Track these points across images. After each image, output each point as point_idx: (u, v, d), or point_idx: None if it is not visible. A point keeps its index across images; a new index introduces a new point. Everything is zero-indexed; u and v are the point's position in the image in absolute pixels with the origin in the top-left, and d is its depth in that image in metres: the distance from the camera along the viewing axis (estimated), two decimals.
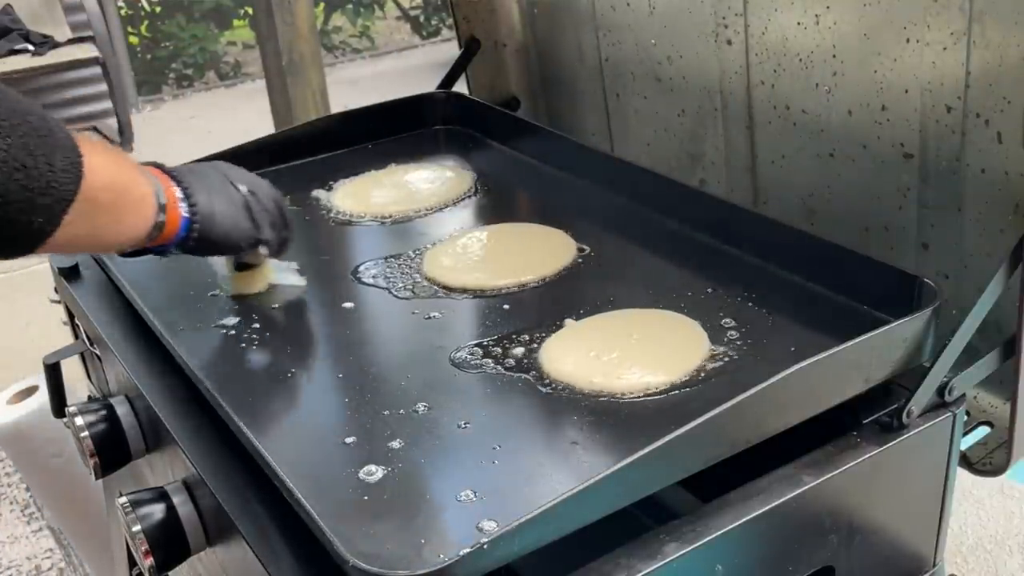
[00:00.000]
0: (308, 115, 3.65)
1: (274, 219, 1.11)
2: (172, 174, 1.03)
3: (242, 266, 1.14)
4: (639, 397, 0.93)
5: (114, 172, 0.91)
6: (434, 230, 1.31)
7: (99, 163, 0.87)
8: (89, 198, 0.85)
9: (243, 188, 1.08)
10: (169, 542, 0.93)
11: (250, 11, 6.36)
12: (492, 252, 1.24)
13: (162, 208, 0.99)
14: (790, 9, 1.16)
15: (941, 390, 0.92)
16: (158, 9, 6.55)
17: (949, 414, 0.93)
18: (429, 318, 1.10)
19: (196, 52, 6.43)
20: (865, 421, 0.92)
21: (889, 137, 1.10)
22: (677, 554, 0.78)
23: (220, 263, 1.16)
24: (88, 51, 3.47)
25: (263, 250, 1.11)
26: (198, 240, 1.03)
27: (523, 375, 0.97)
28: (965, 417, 0.96)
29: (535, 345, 1.02)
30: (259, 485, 0.86)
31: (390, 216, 1.35)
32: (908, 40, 1.03)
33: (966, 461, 1.03)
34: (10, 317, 2.92)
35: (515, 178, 1.48)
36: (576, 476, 0.79)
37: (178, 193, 1.01)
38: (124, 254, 1.05)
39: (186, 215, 1.01)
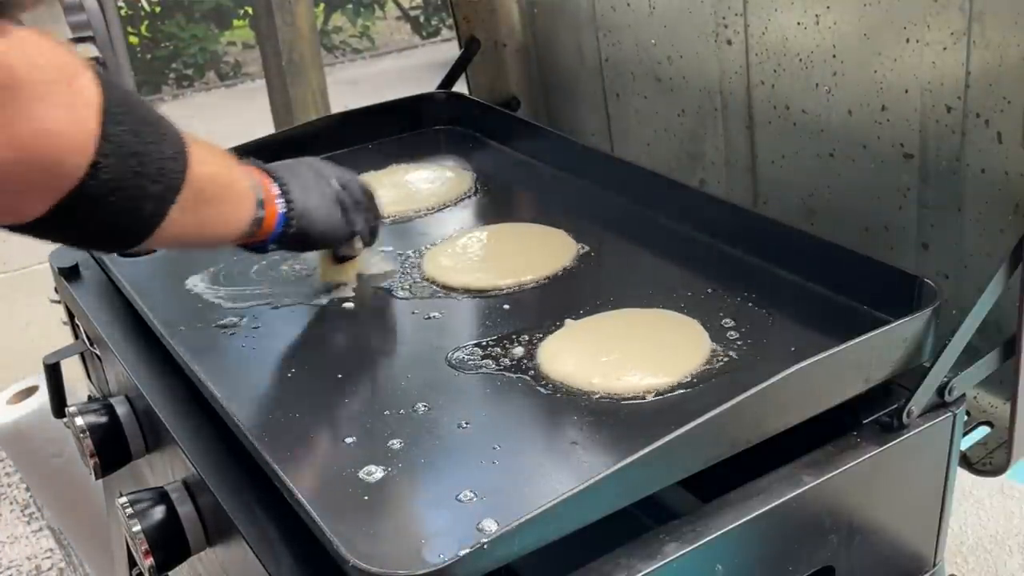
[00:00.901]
0: (308, 115, 3.64)
1: (365, 209, 1.12)
2: (268, 170, 1.04)
3: (340, 258, 1.16)
4: (639, 397, 0.93)
5: (217, 164, 0.92)
6: (434, 230, 1.31)
7: (203, 154, 0.87)
8: (195, 188, 0.85)
9: (334, 183, 1.09)
10: (169, 542, 0.93)
11: (250, 11, 6.36)
12: (492, 252, 1.24)
13: (260, 204, 0.99)
14: (790, 9, 1.16)
15: (941, 390, 0.92)
16: (158, 9, 6.55)
17: (949, 414, 0.93)
18: (429, 318, 1.10)
19: (196, 52, 6.42)
20: (865, 421, 0.92)
21: (889, 137, 1.10)
22: (677, 554, 0.78)
23: (313, 254, 1.17)
24: (88, 51, 3.47)
25: (358, 243, 1.13)
26: (295, 235, 1.03)
27: (523, 375, 0.97)
28: (965, 417, 0.96)
29: (535, 345, 1.02)
30: (259, 485, 0.86)
31: (390, 216, 1.35)
32: (908, 40, 1.03)
33: (966, 461, 1.03)
34: (10, 317, 2.92)
35: (515, 178, 1.48)
36: (576, 476, 0.79)
37: (275, 189, 1.02)
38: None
39: (283, 211, 1.01)
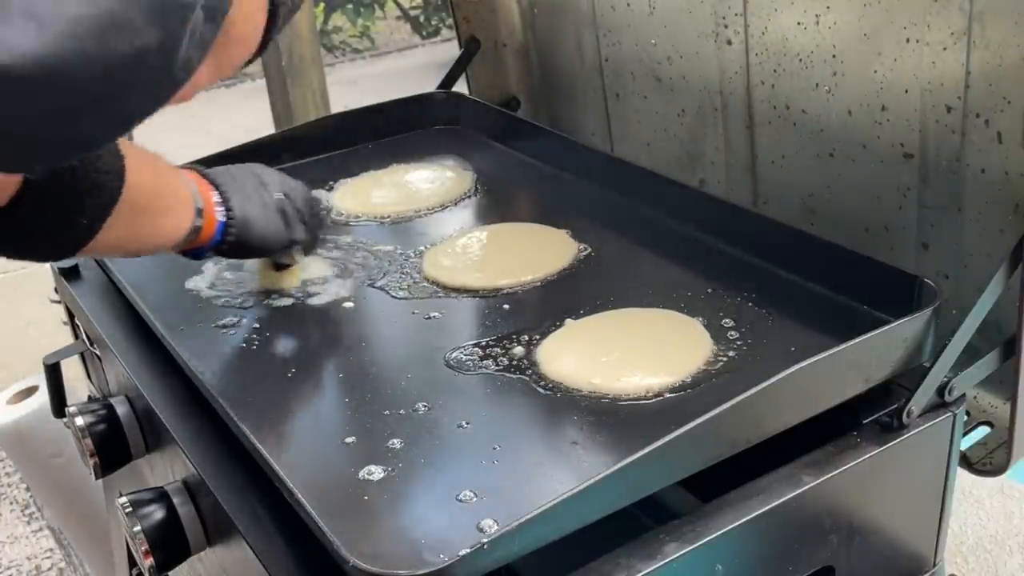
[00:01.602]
0: (308, 115, 3.64)
1: (307, 219, 1.13)
2: (209, 177, 1.05)
3: (278, 265, 1.16)
4: (639, 397, 0.93)
5: (153, 175, 0.93)
6: (434, 230, 1.31)
7: (139, 165, 0.88)
8: (130, 200, 0.86)
9: (276, 192, 1.10)
10: (169, 542, 0.93)
11: None
12: (492, 252, 1.24)
13: (199, 212, 1.00)
14: (790, 9, 1.16)
15: (941, 390, 0.92)
16: None
17: (949, 414, 0.93)
18: (429, 318, 1.10)
19: None
20: (865, 421, 0.92)
21: (889, 137, 1.10)
22: (677, 554, 0.78)
23: (252, 260, 1.17)
24: None
25: (297, 252, 1.14)
26: (233, 244, 1.05)
27: (523, 375, 0.97)
28: (965, 417, 0.96)
29: (535, 345, 1.02)
30: (259, 485, 0.86)
31: (390, 216, 1.35)
32: (908, 40, 1.03)
33: (966, 461, 1.03)
34: (10, 317, 2.92)
35: (515, 178, 1.48)
36: (576, 476, 0.79)
37: (215, 197, 1.03)
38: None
39: (222, 219, 1.03)
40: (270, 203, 1.09)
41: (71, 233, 0.83)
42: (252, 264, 1.18)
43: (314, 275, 1.19)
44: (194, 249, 1.04)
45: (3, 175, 0.72)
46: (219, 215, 1.03)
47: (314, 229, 1.15)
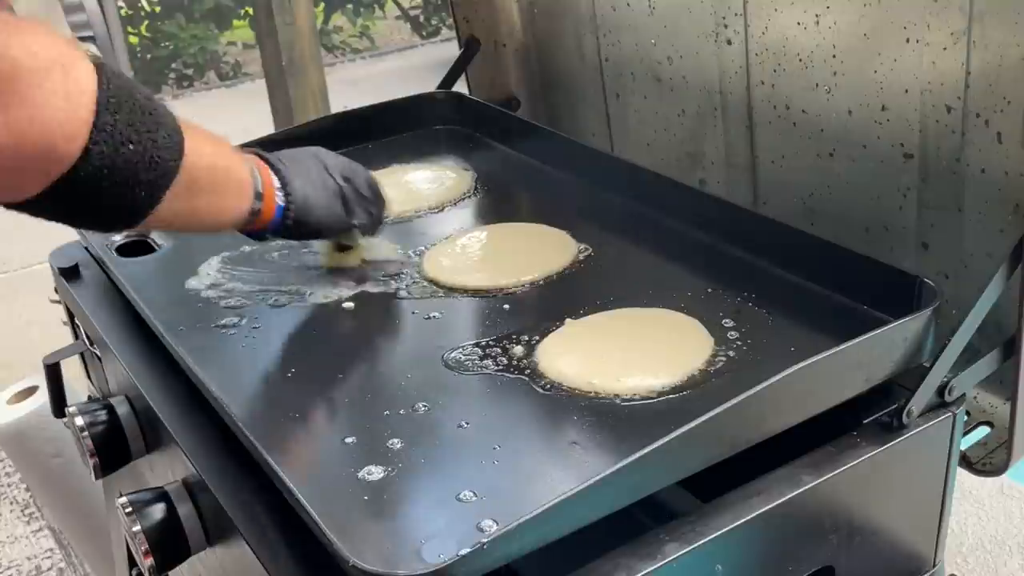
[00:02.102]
0: (308, 115, 3.64)
1: (368, 202, 1.16)
2: (270, 161, 1.06)
3: (340, 246, 1.19)
4: (639, 397, 0.93)
5: (214, 154, 0.94)
6: (434, 230, 1.31)
7: (200, 144, 0.90)
8: (190, 177, 0.88)
9: (338, 176, 1.12)
10: (169, 542, 0.93)
11: (250, 11, 6.35)
12: (492, 252, 1.24)
13: (259, 195, 1.02)
14: (790, 9, 1.16)
15: (941, 390, 0.92)
16: (158, 9, 6.55)
17: (949, 414, 0.93)
18: (429, 318, 1.10)
19: (196, 52, 6.43)
20: (865, 421, 0.92)
21: (889, 137, 1.10)
22: (677, 554, 0.78)
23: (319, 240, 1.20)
24: (88, 51, 3.47)
25: (357, 234, 1.17)
26: (293, 226, 1.07)
27: (523, 375, 0.97)
28: (965, 417, 0.96)
29: (535, 345, 1.02)
30: (259, 485, 0.86)
31: (390, 216, 1.35)
32: (908, 40, 1.03)
33: (966, 461, 1.03)
34: (10, 317, 2.93)
35: (515, 178, 1.48)
36: (576, 476, 0.79)
37: (275, 181, 1.05)
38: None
39: (281, 203, 1.05)
40: (331, 186, 1.11)
41: (129, 205, 0.84)
42: (317, 243, 1.20)
43: (377, 256, 1.21)
44: (254, 230, 1.06)
45: (62, 143, 0.76)
46: (279, 199, 1.04)
47: (375, 212, 1.17)
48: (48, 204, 0.80)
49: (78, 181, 0.78)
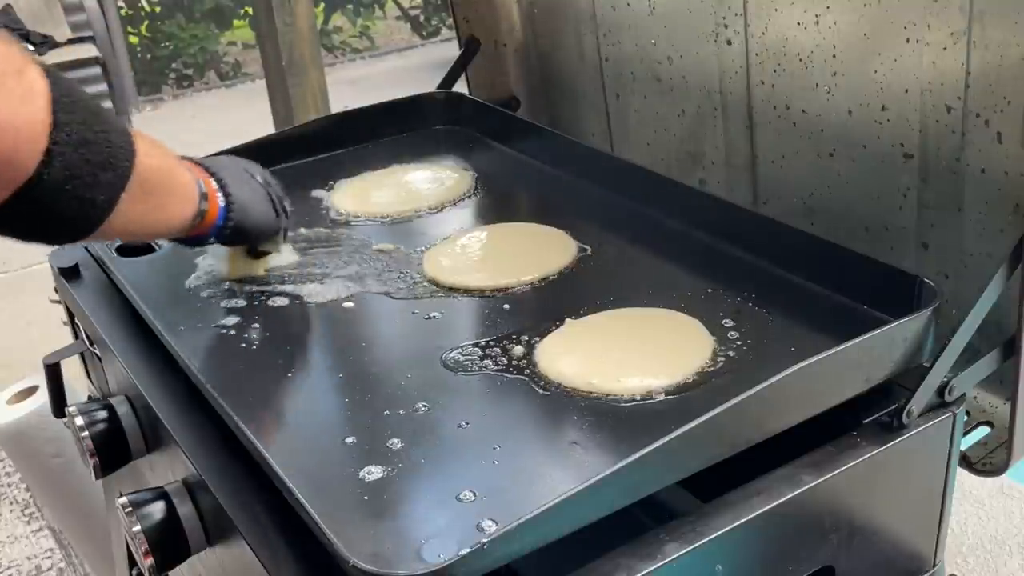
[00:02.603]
0: (308, 115, 3.64)
1: (285, 207, 1.16)
2: (203, 165, 1.07)
3: (257, 253, 1.19)
4: (639, 397, 0.93)
5: (160, 156, 0.94)
6: (434, 230, 1.31)
7: (147, 145, 0.90)
8: (142, 178, 0.87)
9: (259, 179, 1.13)
10: (169, 542, 0.93)
11: (250, 11, 6.36)
12: (492, 252, 1.24)
13: (204, 196, 1.02)
14: (790, 9, 1.16)
15: (941, 390, 0.92)
16: (158, 9, 6.55)
17: (949, 414, 0.93)
18: (429, 318, 1.10)
19: (196, 52, 6.43)
20: (865, 421, 0.92)
21: (889, 137, 1.10)
22: (677, 554, 0.78)
23: (216, 250, 1.18)
24: (88, 51, 3.48)
25: (280, 237, 1.17)
26: (233, 229, 1.07)
27: (523, 375, 0.97)
28: (965, 417, 0.96)
29: (535, 345, 1.02)
30: (259, 485, 0.86)
31: (390, 216, 1.35)
32: (908, 40, 1.03)
33: (966, 461, 1.03)
34: (10, 317, 2.93)
35: (515, 178, 1.48)
36: (576, 476, 0.79)
37: (214, 183, 1.05)
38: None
39: (223, 204, 1.05)
40: (258, 190, 1.12)
41: (88, 209, 0.83)
42: (220, 251, 1.18)
43: (280, 263, 1.20)
44: (197, 236, 1.06)
45: (24, 146, 0.74)
46: (220, 200, 1.05)
47: (289, 217, 1.19)
48: (8, 215, 0.78)
49: (41, 186, 0.77)
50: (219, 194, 1.05)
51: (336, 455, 0.87)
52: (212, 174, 1.06)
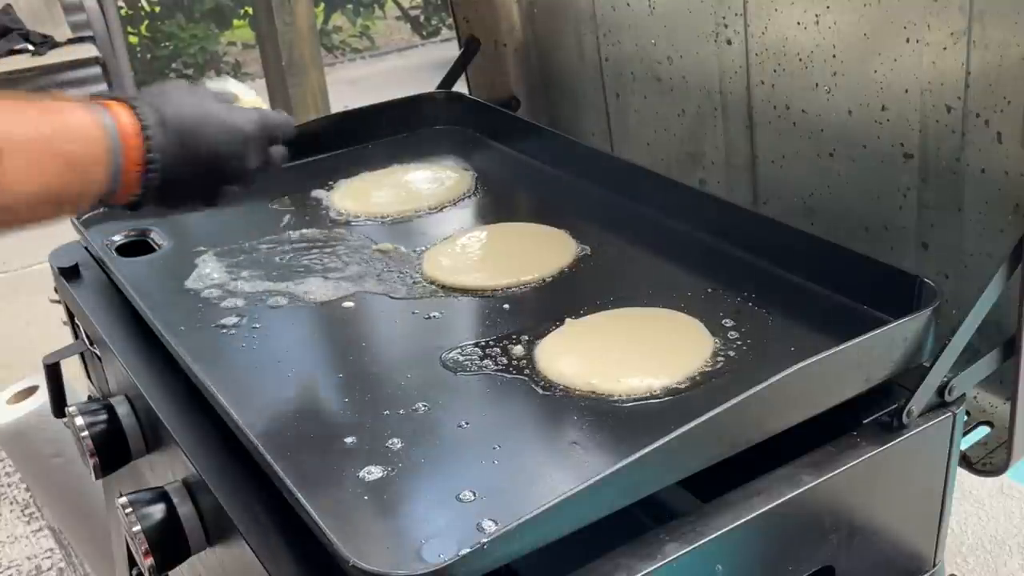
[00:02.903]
0: (308, 115, 3.65)
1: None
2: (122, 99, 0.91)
3: None
4: (639, 397, 0.93)
5: (38, 115, 0.83)
6: (434, 230, 1.31)
7: (12, 115, 0.81)
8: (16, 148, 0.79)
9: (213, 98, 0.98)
10: (169, 542, 0.93)
11: (250, 11, 6.36)
12: (492, 252, 1.24)
13: (114, 135, 0.87)
14: (790, 9, 1.16)
15: (941, 390, 0.92)
16: (158, 9, 6.55)
17: (949, 414, 0.93)
18: (429, 318, 1.10)
19: (196, 52, 6.43)
20: (865, 421, 0.92)
21: (889, 137, 1.10)
22: (677, 554, 0.78)
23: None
24: (88, 51, 3.48)
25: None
26: (174, 157, 0.90)
27: (523, 375, 0.97)
28: (965, 417, 0.96)
29: (534, 345, 1.02)
30: (259, 485, 0.86)
31: (390, 216, 1.35)
32: (908, 40, 1.03)
33: (966, 461, 1.03)
34: (10, 317, 2.92)
35: (515, 178, 1.48)
36: (576, 476, 0.79)
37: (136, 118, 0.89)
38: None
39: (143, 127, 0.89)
40: (207, 95, 0.96)
41: None
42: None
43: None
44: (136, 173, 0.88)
45: None
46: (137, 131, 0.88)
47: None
48: None
49: None
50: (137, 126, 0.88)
51: (336, 455, 0.87)
52: (135, 107, 0.89)
